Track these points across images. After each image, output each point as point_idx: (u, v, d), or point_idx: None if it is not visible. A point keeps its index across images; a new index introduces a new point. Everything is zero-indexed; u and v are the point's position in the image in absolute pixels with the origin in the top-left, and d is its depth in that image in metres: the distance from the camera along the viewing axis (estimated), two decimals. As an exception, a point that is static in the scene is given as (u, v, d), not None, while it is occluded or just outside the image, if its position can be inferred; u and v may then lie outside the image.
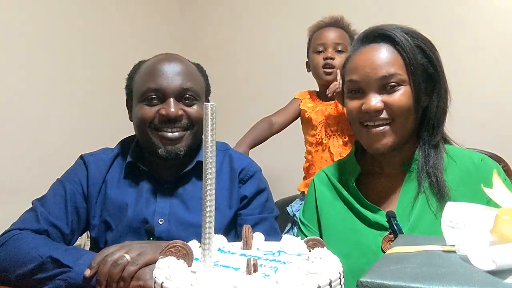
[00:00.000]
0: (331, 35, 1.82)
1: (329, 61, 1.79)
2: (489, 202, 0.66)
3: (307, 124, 1.88)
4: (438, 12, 2.22)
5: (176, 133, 1.14)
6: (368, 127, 1.00)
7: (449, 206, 0.64)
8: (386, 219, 0.97)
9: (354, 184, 1.06)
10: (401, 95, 0.97)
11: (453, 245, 0.60)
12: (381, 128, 0.98)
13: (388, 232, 0.97)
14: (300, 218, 1.16)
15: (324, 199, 1.11)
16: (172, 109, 1.12)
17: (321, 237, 1.08)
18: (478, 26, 2.15)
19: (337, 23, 1.84)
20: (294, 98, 1.95)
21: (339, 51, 1.80)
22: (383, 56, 0.98)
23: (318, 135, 1.82)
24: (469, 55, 2.14)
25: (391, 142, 0.99)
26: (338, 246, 1.02)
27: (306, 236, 1.08)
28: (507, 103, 2.10)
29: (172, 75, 1.15)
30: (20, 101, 2.07)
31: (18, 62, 2.08)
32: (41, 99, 2.16)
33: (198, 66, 1.27)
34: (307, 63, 1.92)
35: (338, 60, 1.78)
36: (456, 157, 1.03)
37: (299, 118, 1.93)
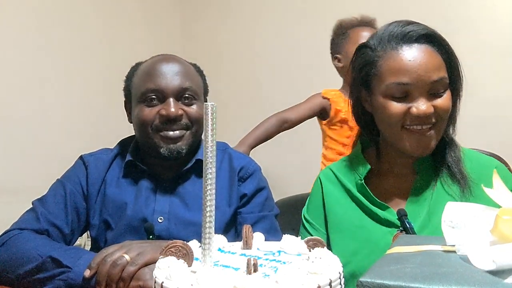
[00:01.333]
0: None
1: None
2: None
3: (340, 124, 1.84)
4: (439, 12, 2.22)
5: (177, 132, 1.15)
6: (412, 131, 0.96)
7: (449, 206, 0.64)
8: (396, 217, 0.96)
9: (363, 181, 1.05)
10: (446, 99, 0.96)
11: (453, 245, 0.60)
12: (430, 132, 0.96)
13: (398, 230, 0.96)
14: (304, 216, 1.15)
15: (332, 196, 1.10)
16: (172, 109, 1.12)
17: (327, 235, 1.08)
18: (479, 26, 2.15)
19: (372, 24, 1.83)
20: (322, 97, 1.89)
21: None
22: (432, 59, 0.94)
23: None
24: (469, 55, 2.14)
25: (434, 145, 0.98)
26: (346, 244, 1.02)
27: (311, 235, 1.09)
28: (507, 103, 2.10)
29: (171, 75, 1.15)
30: (20, 101, 2.08)
31: (18, 62, 2.08)
32: (41, 99, 2.16)
33: (195, 66, 1.27)
34: (337, 58, 1.88)
35: None
36: (471, 157, 1.02)
37: (315, 116, 1.89)
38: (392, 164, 1.06)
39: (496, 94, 2.11)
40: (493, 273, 0.51)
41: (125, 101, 1.25)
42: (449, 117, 1.00)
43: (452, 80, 0.97)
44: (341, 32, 1.87)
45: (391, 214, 0.99)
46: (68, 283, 0.92)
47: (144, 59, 1.27)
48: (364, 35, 1.77)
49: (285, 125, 1.84)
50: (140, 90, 1.16)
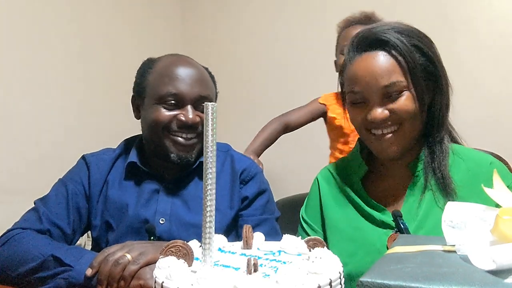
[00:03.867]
0: None
1: None
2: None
3: (337, 131, 1.83)
4: (438, 12, 2.22)
5: (190, 141, 1.16)
6: (375, 135, 0.99)
7: (449, 206, 0.65)
8: (392, 219, 0.97)
9: (360, 182, 1.05)
10: (405, 101, 0.95)
11: (454, 245, 0.60)
12: (390, 135, 0.97)
13: (394, 231, 0.96)
14: (302, 216, 1.16)
15: (329, 197, 1.10)
16: (191, 116, 1.14)
17: (324, 235, 1.08)
18: (478, 26, 2.15)
19: (367, 20, 1.73)
20: (319, 103, 1.89)
21: None
22: (381, 64, 0.95)
23: (351, 144, 1.75)
24: (469, 55, 2.14)
25: (401, 147, 0.98)
26: (343, 245, 1.02)
27: (309, 235, 1.09)
28: (507, 103, 2.10)
29: (191, 82, 1.15)
30: (20, 101, 2.08)
31: (18, 62, 2.08)
32: (41, 99, 2.16)
33: (207, 70, 1.27)
34: (335, 62, 1.86)
35: None
36: (464, 156, 1.01)
37: (314, 120, 1.89)
38: (388, 165, 1.06)
39: (496, 94, 2.11)
40: (493, 273, 0.51)
41: (133, 96, 1.24)
42: (438, 115, 1.00)
43: (416, 82, 0.95)
44: (339, 31, 1.86)
45: (386, 216, 0.99)
46: (70, 281, 0.92)
47: (145, 59, 1.27)
48: (347, 36, 1.74)
49: (288, 129, 1.85)
50: (158, 91, 1.15)
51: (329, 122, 1.86)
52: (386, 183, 1.05)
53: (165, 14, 2.95)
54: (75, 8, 2.34)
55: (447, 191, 0.95)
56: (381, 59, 0.96)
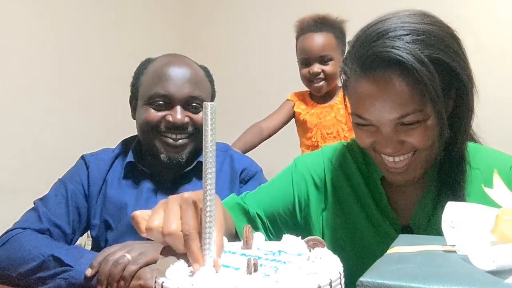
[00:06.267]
0: (315, 46, 1.74)
1: (316, 76, 1.75)
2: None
3: (302, 126, 1.86)
4: (438, 12, 2.22)
5: (180, 141, 1.15)
6: (386, 161, 0.84)
7: (450, 206, 0.64)
8: (400, 232, 0.88)
9: (380, 182, 0.92)
10: (422, 132, 0.79)
11: (454, 245, 0.60)
12: (404, 164, 0.82)
13: None
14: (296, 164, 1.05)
15: (334, 182, 0.97)
16: (179, 117, 1.13)
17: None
18: (478, 26, 2.15)
19: (321, 27, 1.76)
20: (287, 99, 1.92)
21: (326, 61, 1.75)
22: (395, 92, 0.77)
23: (314, 138, 1.79)
24: (469, 55, 2.14)
25: (415, 175, 0.85)
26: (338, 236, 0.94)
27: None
28: (507, 103, 2.10)
29: (181, 82, 1.15)
30: (20, 101, 2.08)
31: (18, 62, 2.08)
32: (41, 99, 2.16)
33: (205, 70, 1.26)
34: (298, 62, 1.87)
35: (327, 68, 1.75)
36: (481, 165, 0.87)
37: (293, 119, 1.91)
38: None
39: (496, 94, 2.11)
40: (494, 273, 0.51)
41: (130, 96, 1.25)
42: (458, 124, 0.84)
43: (437, 108, 0.78)
44: (296, 37, 1.86)
45: (394, 227, 0.90)
46: (69, 282, 0.92)
47: (144, 59, 1.27)
48: (303, 47, 1.77)
49: (264, 132, 1.85)
50: (148, 92, 1.15)
51: (296, 117, 1.89)
52: (398, 189, 0.92)
53: (165, 14, 2.95)
54: (75, 8, 2.34)
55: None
56: (395, 85, 0.77)
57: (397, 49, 0.75)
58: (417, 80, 0.75)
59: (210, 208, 0.61)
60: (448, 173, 0.86)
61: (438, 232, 0.84)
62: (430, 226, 0.87)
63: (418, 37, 0.77)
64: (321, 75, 1.75)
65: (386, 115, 0.78)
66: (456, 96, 0.84)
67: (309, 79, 1.79)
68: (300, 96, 1.90)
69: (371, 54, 0.78)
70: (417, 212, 0.90)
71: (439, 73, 0.76)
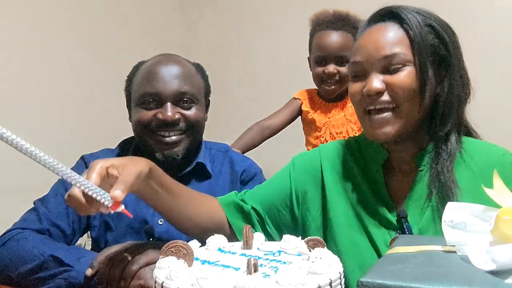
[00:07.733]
0: (334, 44, 1.66)
1: (331, 77, 1.68)
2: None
3: (310, 125, 1.83)
4: (438, 12, 2.22)
5: (174, 137, 1.15)
6: (370, 113, 0.91)
7: (449, 206, 0.64)
8: (396, 218, 0.91)
9: (381, 172, 0.96)
10: (404, 76, 0.88)
11: (454, 245, 0.60)
12: (384, 114, 0.89)
13: (396, 233, 0.91)
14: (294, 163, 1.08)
15: (331, 176, 1.02)
16: (169, 113, 1.13)
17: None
18: (478, 26, 2.15)
19: (341, 25, 1.67)
20: (294, 98, 1.89)
21: (342, 63, 1.66)
22: (387, 35, 0.90)
23: (323, 137, 1.75)
24: (469, 55, 2.14)
25: (394, 130, 0.90)
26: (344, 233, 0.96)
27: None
28: (507, 103, 2.10)
29: (169, 79, 1.15)
30: (20, 101, 2.08)
31: (18, 62, 2.08)
32: (41, 99, 2.16)
33: (197, 66, 1.26)
34: (308, 59, 1.82)
35: (343, 70, 1.66)
36: (474, 152, 0.94)
37: (298, 118, 1.89)
38: (393, 159, 0.98)
39: (496, 94, 2.11)
40: (493, 273, 0.51)
41: (127, 101, 1.26)
42: (443, 107, 0.92)
43: (421, 58, 0.88)
44: (311, 32, 1.77)
45: (392, 215, 0.93)
46: (69, 282, 0.91)
47: (144, 59, 1.27)
48: (320, 44, 1.68)
49: (266, 131, 1.82)
50: (138, 93, 1.16)
51: (303, 116, 1.85)
52: (393, 177, 0.97)
53: (165, 14, 2.95)
54: (75, 9, 2.34)
55: (448, 196, 0.87)
56: (388, 30, 0.91)
57: (399, 8, 0.92)
58: (410, 29, 0.89)
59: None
60: (438, 159, 0.91)
61: (433, 218, 0.89)
62: (423, 212, 0.91)
63: (419, 11, 0.93)
64: (336, 77, 1.68)
65: (376, 53, 0.90)
66: (443, 75, 0.93)
67: (321, 79, 1.72)
68: (308, 94, 1.85)
69: (377, 11, 0.95)
70: (412, 197, 0.93)
71: (430, 36, 0.90)
